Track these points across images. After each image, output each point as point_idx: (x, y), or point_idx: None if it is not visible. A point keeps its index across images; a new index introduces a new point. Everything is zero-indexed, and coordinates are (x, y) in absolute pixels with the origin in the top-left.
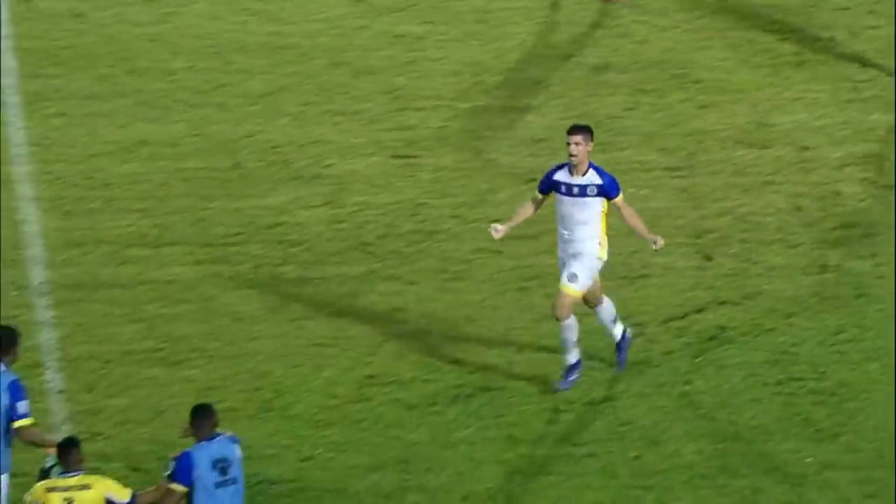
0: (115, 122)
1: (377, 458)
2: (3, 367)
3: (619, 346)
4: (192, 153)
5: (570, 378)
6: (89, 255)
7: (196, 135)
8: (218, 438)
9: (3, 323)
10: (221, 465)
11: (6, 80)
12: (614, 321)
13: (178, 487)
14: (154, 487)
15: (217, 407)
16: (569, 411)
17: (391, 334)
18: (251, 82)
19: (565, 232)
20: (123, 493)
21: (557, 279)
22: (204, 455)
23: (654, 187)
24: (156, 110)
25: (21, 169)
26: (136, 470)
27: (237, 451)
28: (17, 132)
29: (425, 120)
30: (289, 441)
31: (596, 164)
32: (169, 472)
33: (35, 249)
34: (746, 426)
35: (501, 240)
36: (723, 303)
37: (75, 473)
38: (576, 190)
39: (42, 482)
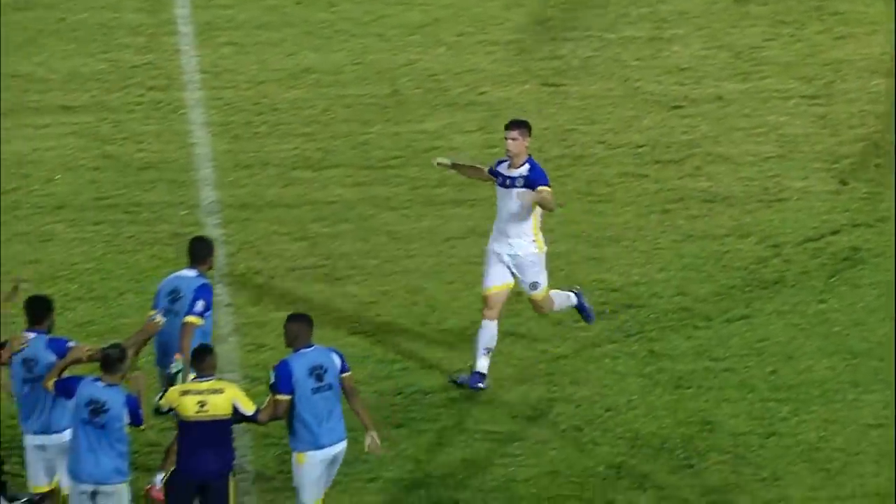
0: (282, 50)
1: (525, 370)
2: (195, 273)
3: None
4: (353, 81)
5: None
6: (256, 176)
7: (357, 63)
8: (314, 347)
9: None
10: (317, 372)
11: (180, 11)
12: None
13: (282, 397)
14: (266, 403)
15: (375, 321)
16: (707, 328)
17: None
18: (409, 13)
19: (500, 224)
20: (249, 405)
21: (702, 202)
22: (301, 362)
23: (793, 114)
24: (320, 40)
25: (193, 95)
26: None
27: (335, 359)
28: (190, 60)
29: (574, 50)
30: (442, 354)
31: (535, 161)
32: (271, 382)
33: (205, 171)
34: (878, 343)
35: (642, 164)
36: (857, 225)
37: (208, 378)
38: (508, 182)
39: (176, 387)
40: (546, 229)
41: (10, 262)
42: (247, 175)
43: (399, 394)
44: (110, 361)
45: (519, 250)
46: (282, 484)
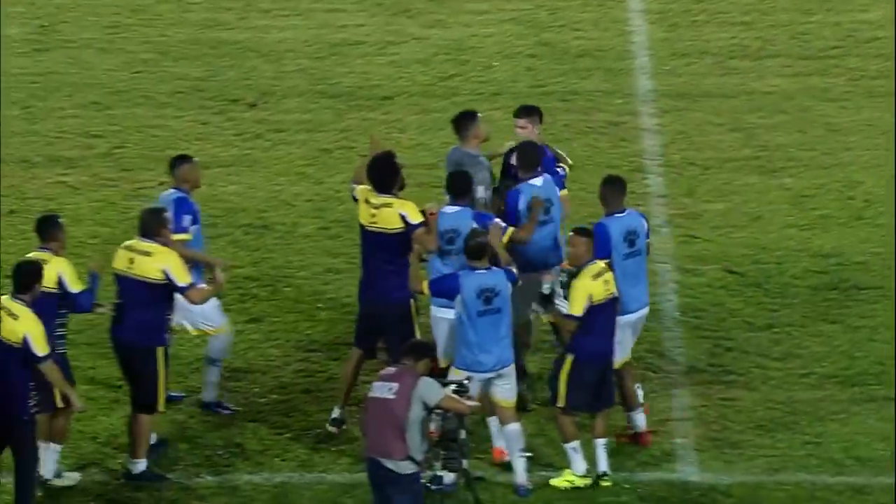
0: None
1: None
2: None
3: None
4: None
5: None
6: (693, 65)
7: None
8: (627, 212)
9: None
10: (630, 238)
11: None
12: None
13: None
14: None
15: (810, 214)
16: None
17: None
18: None
19: None
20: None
21: None
22: (616, 227)
23: None
24: None
25: None
26: (730, 272)
27: (644, 224)
28: None
29: None
30: (878, 249)
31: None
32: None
33: (642, 59)
34: None
35: None
36: None
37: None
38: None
39: (587, 272)
40: None
41: (449, 147)
42: (683, 64)
43: (834, 289)
44: (481, 248)
45: None
46: (713, 377)
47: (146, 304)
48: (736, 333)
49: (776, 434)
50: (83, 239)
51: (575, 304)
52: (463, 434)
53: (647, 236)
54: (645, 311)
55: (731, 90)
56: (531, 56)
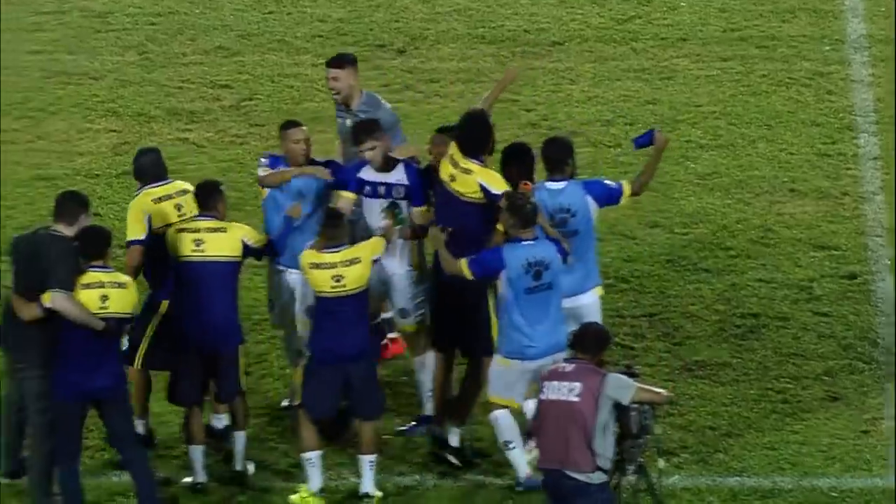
0: None
1: None
2: None
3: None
4: None
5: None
6: None
7: None
8: None
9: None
10: None
11: None
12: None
13: None
14: None
15: None
16: None
17: None
18: None
19: None
20: None
21: None
22: None
23: None
24: None
25: None
26: None
27: None
28: None
29: None
30: None
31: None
32: None
33: (852, 1)
34: None
35: None
36: None
37: None
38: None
39: None
40: None
41: (627, 101)
42: None
43: None
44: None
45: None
46: None
47: None
48: None
49: None
50: None
51: None
52: (658, 429)
53: None
54: None
55: None
56: None
